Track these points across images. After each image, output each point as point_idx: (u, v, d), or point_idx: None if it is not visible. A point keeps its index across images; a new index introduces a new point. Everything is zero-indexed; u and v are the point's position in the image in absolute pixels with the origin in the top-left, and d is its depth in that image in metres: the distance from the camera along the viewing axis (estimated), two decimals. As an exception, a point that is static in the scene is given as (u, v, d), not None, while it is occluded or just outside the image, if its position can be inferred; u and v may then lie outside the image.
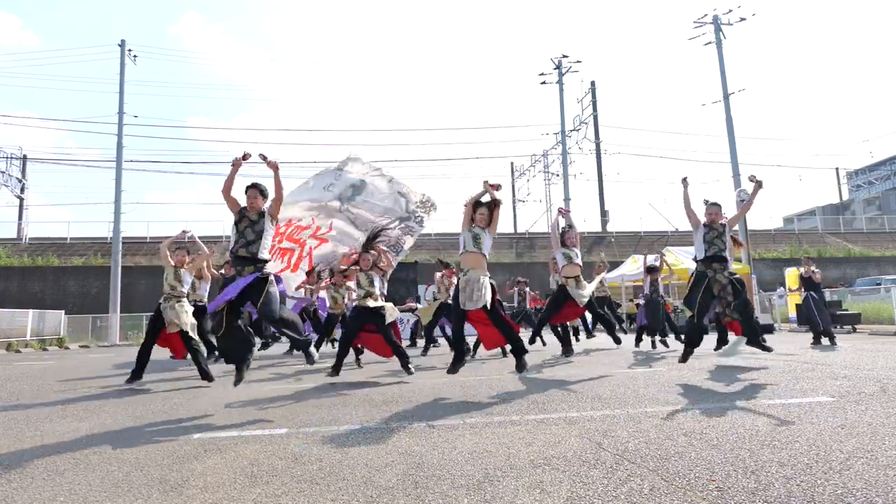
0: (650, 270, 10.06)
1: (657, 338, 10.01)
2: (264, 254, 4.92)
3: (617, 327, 8.56)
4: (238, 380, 4.82)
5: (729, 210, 6.39)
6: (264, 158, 5.12)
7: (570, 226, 7.51)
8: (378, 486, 2.45)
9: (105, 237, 28.87)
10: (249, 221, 4.90)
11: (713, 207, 6.13)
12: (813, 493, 2.21)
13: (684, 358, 6.06)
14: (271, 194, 5.14)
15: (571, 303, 7.20)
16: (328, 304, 9.36)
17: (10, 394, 6.09)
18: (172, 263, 6.76)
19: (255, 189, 4.99)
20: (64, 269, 26.42)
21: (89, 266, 26.66)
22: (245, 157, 5.09)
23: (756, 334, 5.66)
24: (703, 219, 6.21)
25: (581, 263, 7.36)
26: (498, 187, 5.49)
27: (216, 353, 8.25)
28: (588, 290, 7.18)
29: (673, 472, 2.52)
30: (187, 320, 6.58)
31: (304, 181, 9.88)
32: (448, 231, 32.25)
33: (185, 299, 6.71)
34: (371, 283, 6.62)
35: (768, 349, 5.75)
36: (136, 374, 6.44)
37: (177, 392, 5.91)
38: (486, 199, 5.54)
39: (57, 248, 28.71)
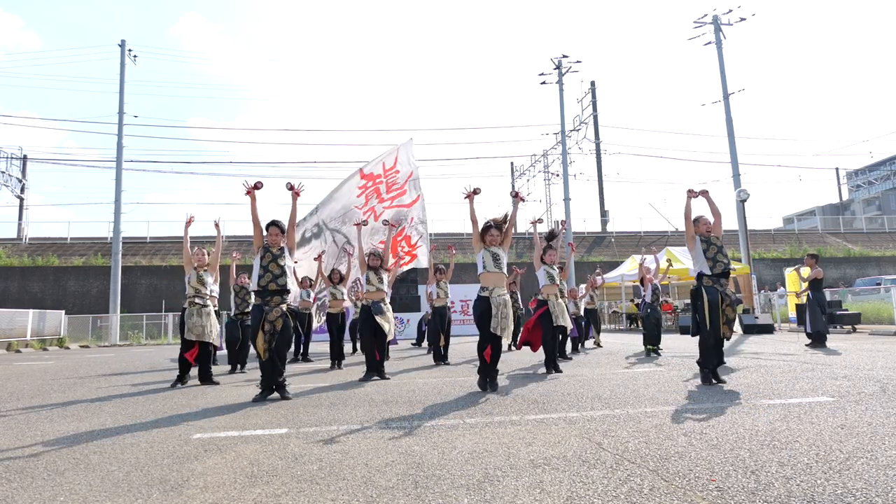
0: (649, 270, 10.05)
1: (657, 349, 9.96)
2: (289, 284, 5.38)
3: (576, 344, 8.91)
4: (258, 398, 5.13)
5: (727, 211, 6.22)
6: (291, 188, 5.55)
7: (550, 245, 7.56)
8: (378, 486, 2.45)
9: (105, 237, 28.87)
10: (273, 256, 5.29)
11: (703, 217, 5.77)
12: (813, 493, 2.21)
13: (707, 380, 5.41)
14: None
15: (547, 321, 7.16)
16: (328, 303, 9.43)
17: (10, 394, 6.09)
18: (195, 264, 6.64)
19: (276, 227, 5.37)
20: (64, 269, 26.40)
21: (89, 266, 26.63)
22: (257, 186, 5.44)
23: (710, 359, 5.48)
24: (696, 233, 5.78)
25: (559, 282, 7.39)
26: (477, 192, 5.66)
27: (239, 365, 8.34)
28: (566, 315, 7.21)
29: (673, 472, 2.52)
30: (213, 331, 6.54)
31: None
32: (447, 231, 32.34)
33: (210, 305, 6.63)
34: (381, 281, 6.94)
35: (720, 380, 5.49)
36: (181, 378, 6.47)
37: (177, 392, 5.91)
38: (497, 214, 5.64)
39: (57, 248, 28.70)
